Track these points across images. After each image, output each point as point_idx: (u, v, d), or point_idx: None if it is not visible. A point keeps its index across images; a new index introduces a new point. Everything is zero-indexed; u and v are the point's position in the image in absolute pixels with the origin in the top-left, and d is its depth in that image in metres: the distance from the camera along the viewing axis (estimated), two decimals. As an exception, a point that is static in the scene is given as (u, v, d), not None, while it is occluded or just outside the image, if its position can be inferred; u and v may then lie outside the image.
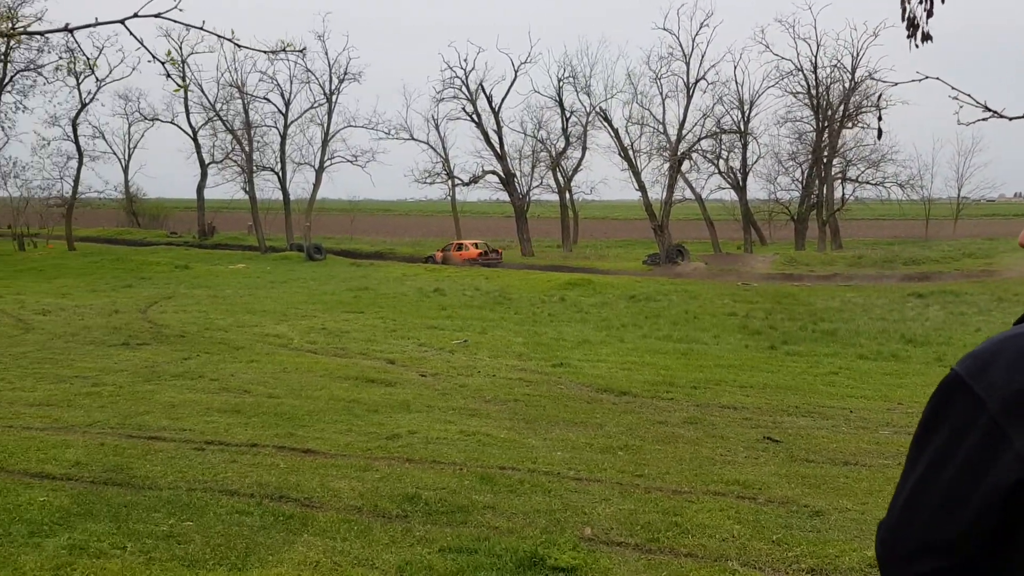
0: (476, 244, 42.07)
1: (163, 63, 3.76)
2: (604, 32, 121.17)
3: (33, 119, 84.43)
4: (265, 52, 3.62)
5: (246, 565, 4.45)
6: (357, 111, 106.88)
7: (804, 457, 7.44)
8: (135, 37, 3.63)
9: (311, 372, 11.75)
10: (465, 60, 69.43)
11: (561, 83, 47.76)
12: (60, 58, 42.23)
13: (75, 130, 49.39)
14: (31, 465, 6.36)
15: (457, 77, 47.47)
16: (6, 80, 42.66)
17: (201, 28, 3.34)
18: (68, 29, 4.15)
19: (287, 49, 3.68)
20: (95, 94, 49.64)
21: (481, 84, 47.72)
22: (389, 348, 14.50)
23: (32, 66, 42.91)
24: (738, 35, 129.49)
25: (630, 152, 44.95)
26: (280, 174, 49.30)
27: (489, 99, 47.89)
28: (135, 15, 3.31)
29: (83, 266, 37.06)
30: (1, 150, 48.86)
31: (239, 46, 3.59)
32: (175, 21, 3.38)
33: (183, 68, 48.99)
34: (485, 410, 9.46)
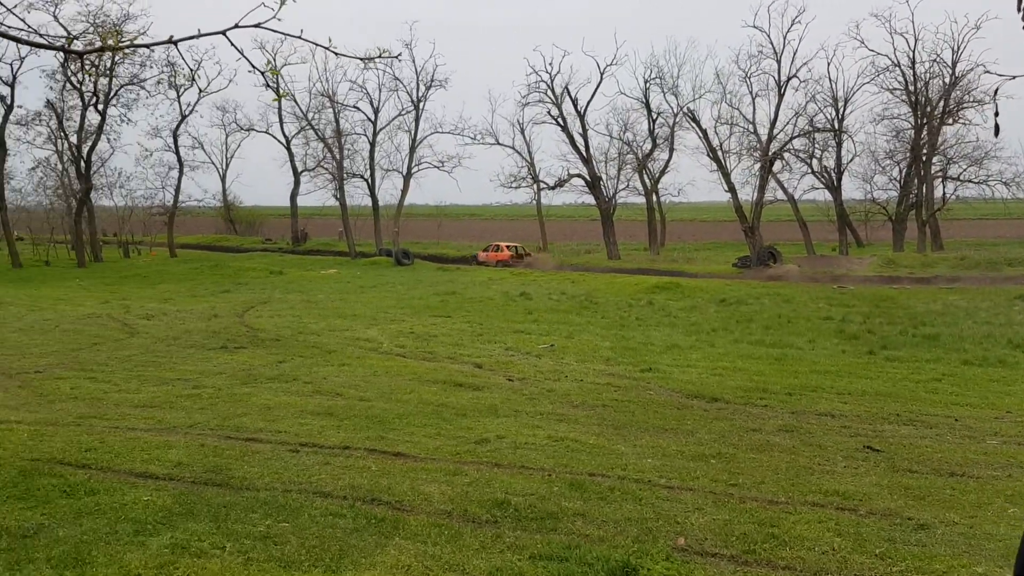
0: (509, 246, 46.42)
1: (262, 73, 3.87)
2: (692, 32, 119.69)
3: (137, 131, 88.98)
4: (362, 59, 3.67)
5: (340, 567, 4.51)
6: (444, 117, 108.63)
7: (907, 467, 7.14)
8: (236, 48, 3.74)
9: (400, 376, 11.91)
10: (550, 64, 69.65)
11: (648, 84, 47.41)
12: (161, 72, 44.15)
13: (175, 141, 51.63)
14: (136, 465, 6.61)
15: (543, 81, 47.71)
16: (111, 94, 44.75)
17: (299, 37, 3.42)
18: (172, 41, 4.31)
19: (383, 56, 3.72)
20: (194, 106, 51.84)
21: (567, 87, 47.80)
22: (476, 352, 14.58)
23: (135, 80, 44.93)
24: (831, 31, 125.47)
25: (719, 153, 44.22)
26: (369, 180, 50.35)
27: (575, 102, 47.91)
28: (236, 26, 3.41)
29: (184, 272, 38.54)
30: (107, 161, 51.37)
31: (337, 54, 3.66)
32: (274, 31, 3.46)
33: (277, 79, 50.53)
34: (573, 415, 9.40)
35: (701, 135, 44.62)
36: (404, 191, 50.66)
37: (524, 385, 11.41)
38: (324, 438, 7.84)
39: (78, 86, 43.98)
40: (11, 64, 42.70)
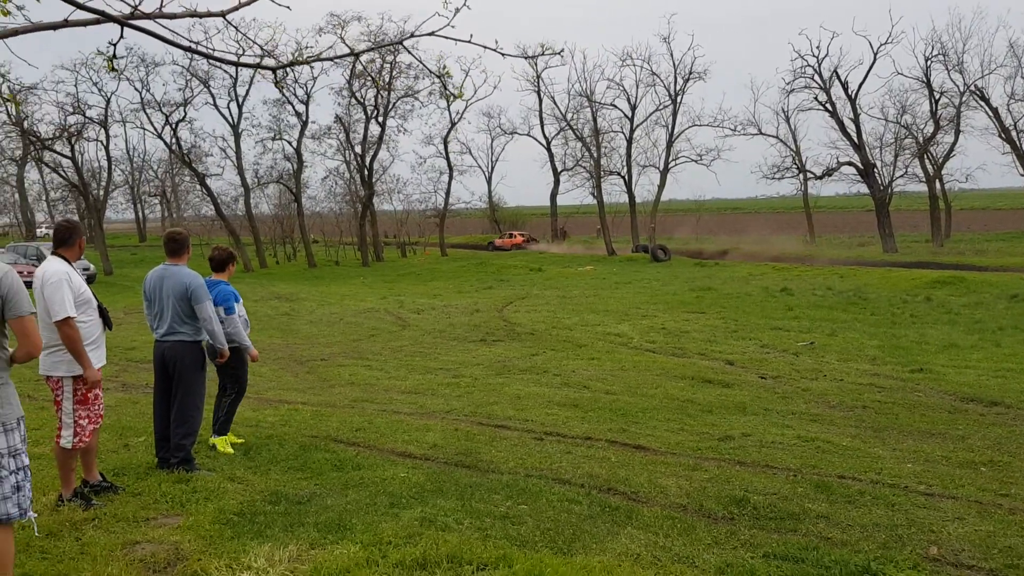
0: (520, 234, 58.50)
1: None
2: (979, 2, 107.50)
3: (412, 140, 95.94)
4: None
5: (571, 550, 4.65)
6: (702, 110, 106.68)
7: None
8: (412, 55, 4.02)
9: (648, 371, 11.93)
10: (817, 47, 66.29)
11: (929, 62, 43.59)
12: (432, 83, 47.18)
13: (446, 147, 55.08)
14: (398, 445, 7.21)
15: (809, 66, 45.44)
16: (390, 106, 48.54)
17: (469, 41, 3.60)
18: (354, 54, 4.75)
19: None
20: (463, 113, 54.93)
21: (835, 71, 45.10)
22: (729, 349, 14.23)
23: (410, 92, 48.36)
24: None
25: (1013, 133, 39.64)
26: (626, 177, 50.63)
27: (844, 86, 45.04)
28: (412, 35, 3.66)
29: (452, 270, 41.00)
30: (387, 169, 55.92)
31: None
32: (446, 38, 3.66)
33: (537, 83, 52.44)
34: (828, 416, 8.93)
35: (992, 114, 40.29)
36: (661, 186, 50.31)
37: (777, 383, 11.00)
38: (568, 428, 8.08)
39: (362, 101, 48.18)
40: (305, 85, 47.73)
